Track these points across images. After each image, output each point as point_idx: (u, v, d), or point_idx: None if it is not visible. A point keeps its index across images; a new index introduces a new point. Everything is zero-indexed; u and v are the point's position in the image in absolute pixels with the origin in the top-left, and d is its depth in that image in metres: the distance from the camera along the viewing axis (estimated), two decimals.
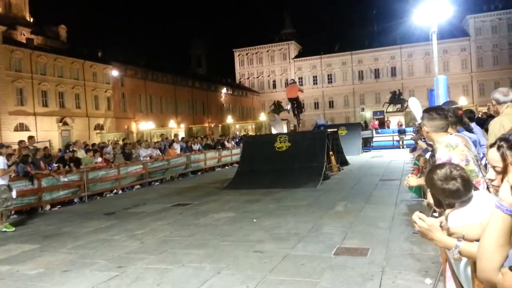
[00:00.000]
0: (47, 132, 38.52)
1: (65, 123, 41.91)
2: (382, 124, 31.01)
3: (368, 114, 43.49)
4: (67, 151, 11.97)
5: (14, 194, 8.33)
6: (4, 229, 7.88)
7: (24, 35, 42.73)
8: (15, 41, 40.09)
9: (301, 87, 73.68)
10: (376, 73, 70.60)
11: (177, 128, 39.75)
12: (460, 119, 3.93)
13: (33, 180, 9.93)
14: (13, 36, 41.22)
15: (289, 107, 17.54)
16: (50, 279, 4.88)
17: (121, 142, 16.48)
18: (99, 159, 12.69)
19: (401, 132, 25.52)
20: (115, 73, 44.81)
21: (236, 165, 16.98)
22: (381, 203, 8.31)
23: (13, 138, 30.67)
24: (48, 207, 10.37)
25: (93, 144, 16.58)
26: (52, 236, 7.27)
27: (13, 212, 9.55)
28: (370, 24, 70.14)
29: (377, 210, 7.67)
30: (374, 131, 27.90)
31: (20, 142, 11.55)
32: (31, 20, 48.82)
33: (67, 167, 11.20)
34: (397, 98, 34.29)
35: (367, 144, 25.24)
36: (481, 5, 63.43)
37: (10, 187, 8.20)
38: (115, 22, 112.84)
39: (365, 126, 29.42)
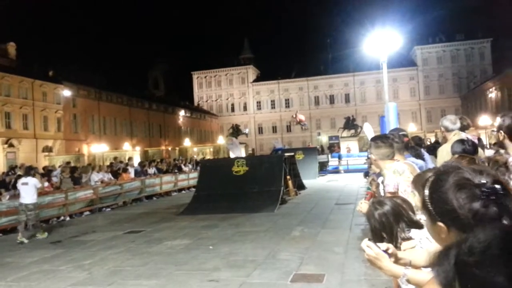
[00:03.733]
0: None
1: (11, 145, 39.56)
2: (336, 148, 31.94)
3: (324, 138, 44.56)
4: (10, 173, 11.26)
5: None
6: (41, 236, 9.20)
7: None
8: None
9: (259, 111, 74.74)
10: (331, 99, 72.96)
11: (132, 150, 38.67)
12: (406, 146, 4.07)
13: None
14: None
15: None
16: None
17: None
18: (46, 184, 12.01)
19: (340, 157, 27.63)
20: (66, 93, 43.09)
21: (193, 189, 16.66)
22: (337, 227, 8.42)
23: None
24: None
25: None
26: None
27: None
28: (325, 51, 73.06)
29: (332, 234, 7.75)
30: (329, 156, 28.63)
31: None
32: None
33: (11, 191, 10.50)
34: (351, 124, 35.47)
35: (323, 168, 25.77)
36: (427, 37, 67.85)
37: None
38: (69, 40, 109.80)
39: (321, 151, 30.10)
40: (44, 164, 24.95)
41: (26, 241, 8.87)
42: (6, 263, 7.02)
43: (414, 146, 4.80)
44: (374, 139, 3.25)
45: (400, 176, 2.84)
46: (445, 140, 4.45)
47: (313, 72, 71.58)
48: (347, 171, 25.93)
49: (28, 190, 9.20)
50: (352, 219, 9.13)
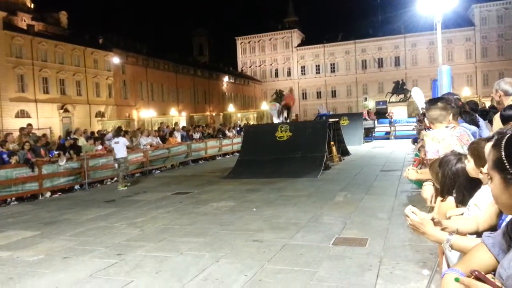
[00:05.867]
0: (48, 119, 38.43)
1: (66, 110, 41.77)
2: (384, 114, 30.88)
3: (371, 104, 43.33)
4: (68, 138, 11.99)
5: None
6: (121, 188, 10.85)
7: (24, 21, 42.24)
8: (16, 27, 39.59)
9: (303, 76, 73.39)
10: (380, 63, 70.12)
11: (178, 116, 39.65)
12: (460, 110, 3.87)
13: (33, 167, 9.95)
14: (14, 22, 40.73)
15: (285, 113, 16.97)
16: (50, 266, 4.91)
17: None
18: (100, 147, 12.67)
19: (391, 123, 26.55)
20: (116, 60, 44.42)
21: (237, 154, 16.96)
22: (381, 194, 8.30)
23: (14, 124, 30.62)
24: (48, 194, 10.41)
25: (92, 132, 16.55)
26: (53, 223, 7.31)
27: (13, 199, 9.62)
28: (374, 13, 69.95)
29: (377, 200, 7.66)
30: (376, 122, 27.80)
31: (21, 129, 11.57)
32: (32, 6, 48.36)
33: (67, 154, 11.20)
34: (400, 88, 34.16)
35: (369, 134, 25.18)
36: None
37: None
38: (116, 8, 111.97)
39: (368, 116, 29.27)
40: (97, 129, 26.24)
41: (123, 188, 10.85)
42: (64, 219, 7.57)
43: (469, 111, 4.54)
44: (431, 100, 3.13)
45: (439, 143, 2.75)
46: (500, 105, 4.13)
47: (361, 34, 68.69)
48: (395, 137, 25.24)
49: (119, 148, 11.13)
50: (398, 185, 8.95)
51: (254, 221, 6.57)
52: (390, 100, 33.73)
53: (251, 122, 30.94)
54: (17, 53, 37.66)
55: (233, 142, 20.39)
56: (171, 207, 8.13)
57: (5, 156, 9.61)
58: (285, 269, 4.34)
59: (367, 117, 27.49)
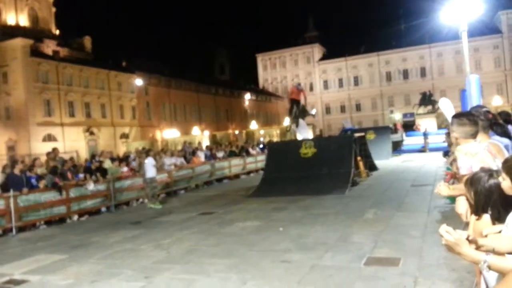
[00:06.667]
0: (74, 142, 39.39)
1: (92, 133, 42.73)
2: (411, 126, 30.21)
3: (397, 116, 42.61)
4: (93, 161, 12.20)
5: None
6: (154, 206, 11.18)
7: (50, 47, 44.00)
8: (42, 54, 41.19)
9: (326, 91, 72.93)
10: (405, 74, 69.02)
11: (201, 135, 40.02)
12: (490, 123, 3.70)
13: (61, 191, 10.12)
14: (40, 48, 42.46)
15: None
16: None
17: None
18: (125, 169, 12.82)
19: (425, 135, 25.44)
20: (139, 82, 45.28)
21: (261, 172, 16.85)
22: (413, 210, 8.01)
23: (41, 148, 31.53)
24: (76, 217, 10.54)
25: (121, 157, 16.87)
26: (81, 246, 7.36)
27: (42, 222, 9.79)
28: (396, 23, 68.68)
29: (408, 217, 7.39)
30: (404, 135, 27.17)
31: (48, 153, 11.85)
32: (57, 32, 50.37)
33: (93, 177, 11.38)
34: (427, 99, 33.46)
35: (397, 148, 24.60)
36: None
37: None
38: (138, 31, 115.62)
39: (395, 130, 28.75)
40: (122, 150, 26.71)
41: (154, 206, 11.22)
42: (92, 242, 7.61)
43: (500, 123, 4.35)
44: (458, 115, 2.98)
45: (472, 157, 2.64)
46: None
47: (384, 46, 67.71)
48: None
49: (148, 167, 11.54)
50: (430, 201, 8.61)
51: (281, 241, 6.43)
52: (418, 112, 33.04)
53: (274, 139, 30.91)
54: (44, 79, 39.06)
55: (257, 160, 20.30)
56: (196, 228, 8.08)
57: (33, 180, 9.83)
58: None
59: (399, 129, 26.99)
